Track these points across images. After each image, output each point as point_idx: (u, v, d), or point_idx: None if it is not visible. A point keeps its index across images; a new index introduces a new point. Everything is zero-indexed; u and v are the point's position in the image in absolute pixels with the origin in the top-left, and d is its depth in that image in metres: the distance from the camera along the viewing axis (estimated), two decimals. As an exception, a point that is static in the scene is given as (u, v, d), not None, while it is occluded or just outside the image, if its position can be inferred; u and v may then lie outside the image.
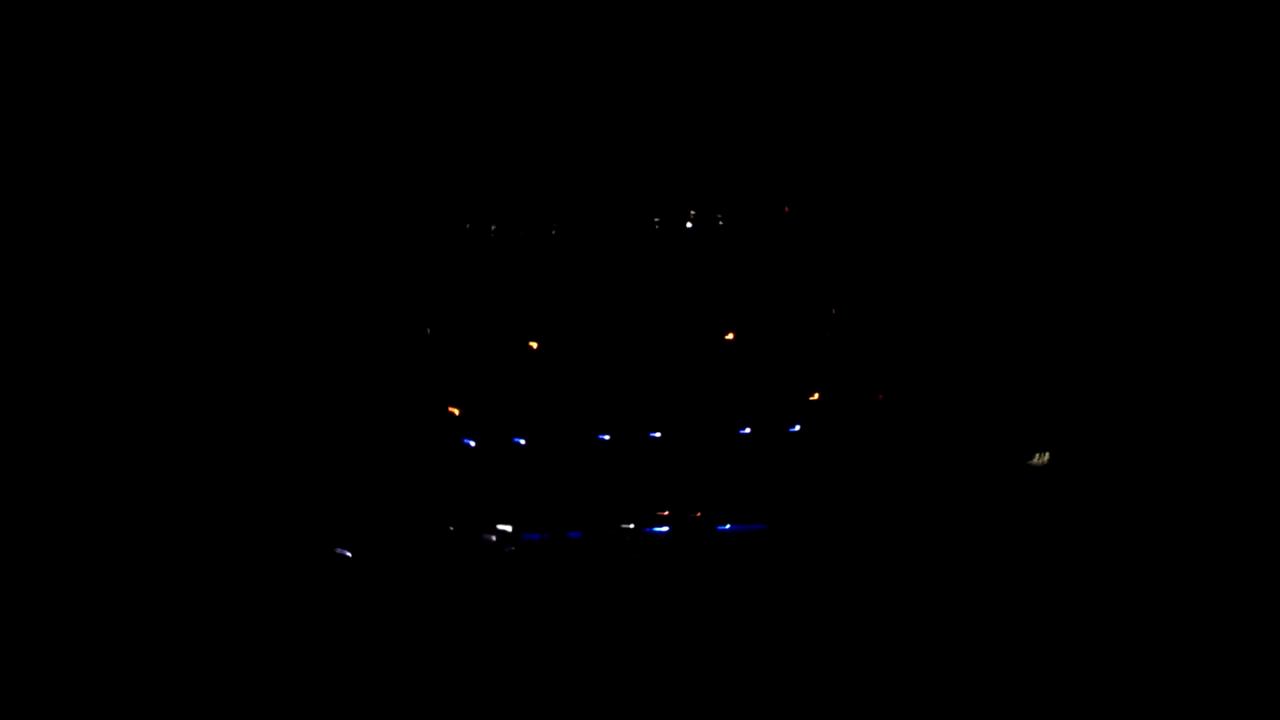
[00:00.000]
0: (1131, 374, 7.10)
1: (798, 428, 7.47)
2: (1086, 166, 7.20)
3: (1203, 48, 7.09)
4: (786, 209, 7.59)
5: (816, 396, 7.48)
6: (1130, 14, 7.18)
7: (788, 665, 7.02)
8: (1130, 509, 6.82)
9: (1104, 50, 7.22)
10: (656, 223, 7.71)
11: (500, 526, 7.65)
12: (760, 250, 7.64)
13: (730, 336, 7.63)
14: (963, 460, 7.29)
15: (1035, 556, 6.90)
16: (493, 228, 7.90)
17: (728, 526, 7.53)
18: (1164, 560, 6.67)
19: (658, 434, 7.60)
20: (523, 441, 7.81)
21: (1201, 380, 6.99)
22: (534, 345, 7.84)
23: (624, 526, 7.58)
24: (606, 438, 7.67)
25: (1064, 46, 7.19)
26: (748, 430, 7.57)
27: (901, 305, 7.41)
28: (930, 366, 7.35)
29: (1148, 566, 6.68)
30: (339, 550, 7.60)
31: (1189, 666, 6.15)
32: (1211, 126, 7.14)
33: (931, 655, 6.80)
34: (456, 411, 7.90)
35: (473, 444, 7.83)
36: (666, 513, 7.63)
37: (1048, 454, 7.22)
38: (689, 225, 7.68)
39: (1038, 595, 6.83)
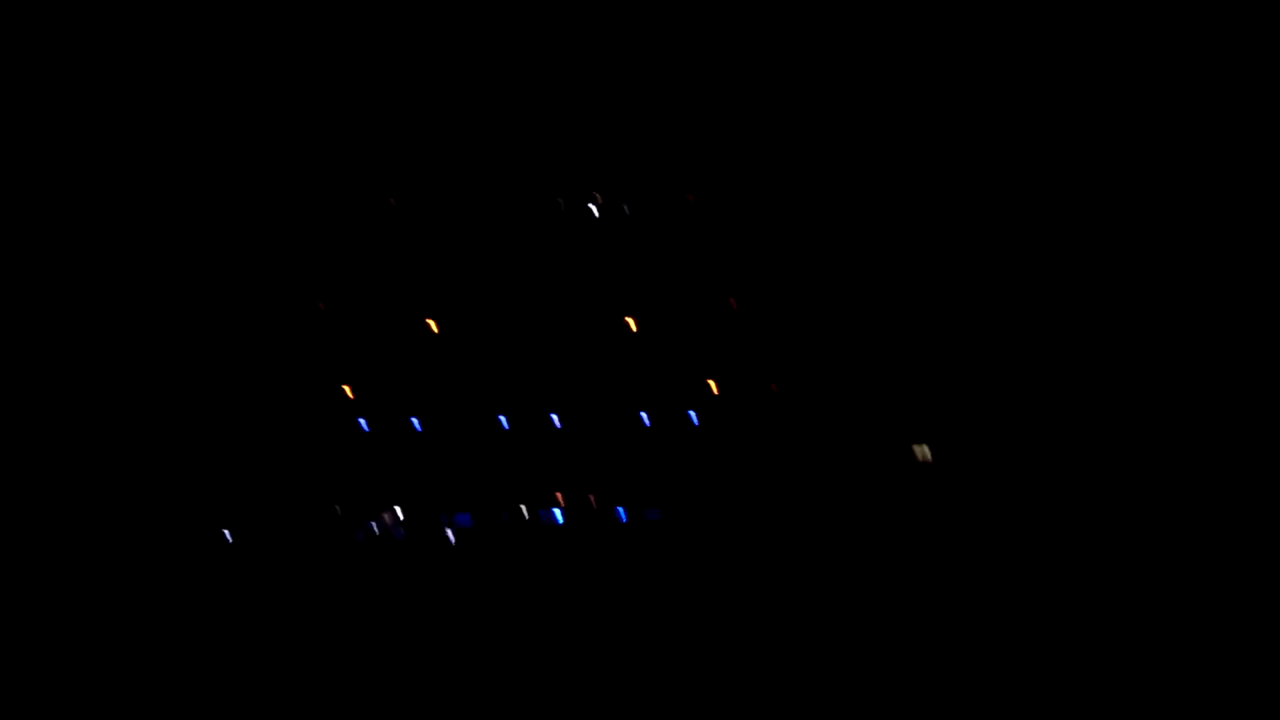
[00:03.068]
0: (1011, 375, 7.45)
1: (695, 417, 7.58)
2: (974, 169, 7.45)
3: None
4: (690, 198, 7.63)
5: (715, 387, 7.60)
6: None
7: (685, 651, 7.14)
8: (1008, 503, 7.20)
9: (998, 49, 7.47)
10: (561, 204, 7.66)
11: (394, 509, 7.53)
12: (663, 239, 7.68)
13: (632, 324, 7.66)
14: (851, 452, 7.53)
15: (920, 547, 7.20)
16: (392, 201, 7.71)
17: (623, 513, 7.60)
18: (1041, 553, 7.05)
19: (556, 418, 7.60)
20: (418, 423, 7.69)
21: (1074, 382, 7.41)
22: (433, 325, 7.71)
23: (520, 510, 7.57)
24: (505, 421, 7.63)
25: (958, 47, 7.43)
26: (645, 418, 7.63)
27: (800, 299, 7.57)
28: (825, 359, 7.54)
29: (1024, 559, 7.05)
30: (223, 531, 7.37)
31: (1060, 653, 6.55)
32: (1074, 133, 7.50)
33: (824, 640, 7.02)
34: (350, 391, 7.71)
35: (366, 425, 7.67)
36: (561, 497, 7.65)
37: (928, 449, 7.53)
38: (595, 210, 7.66)
39: (925, 583, 7.11)
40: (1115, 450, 7.11)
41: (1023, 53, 7.32)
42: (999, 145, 7.44)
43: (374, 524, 7.55)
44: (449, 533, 7.52)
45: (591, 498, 7.65)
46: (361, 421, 7.64)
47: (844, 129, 7.60)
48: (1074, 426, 7.21)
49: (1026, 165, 7.46)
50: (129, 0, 7.10)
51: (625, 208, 7.64)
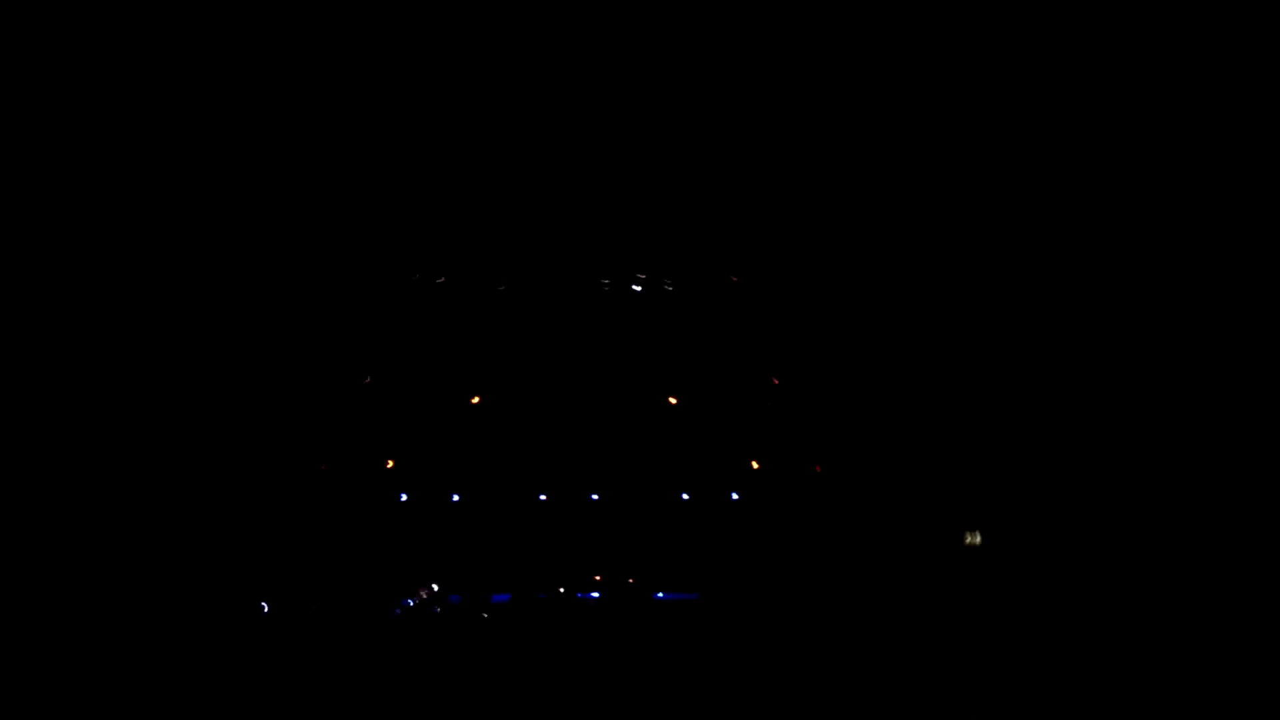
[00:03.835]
0: (1067, 462, 7.22)
1: (735, 496, 7.46)
2: (998, 252, 7.40)
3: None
4: (734, 278, 7.67)
5: (755, 465, 7.49)
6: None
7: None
8: (1057, 591, 6.92)
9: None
10: (605, 285, 7.74)
11: (429, 585, 7.46)
12: (706, 317, 7.69)
13: (673, 401, 7.64)
14: (896, 535, 7.31)
15: (968, 634, 6.92)
16: (440, 280, 7.86)
17: (660, 594, 7.43)
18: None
19: (596, 496, 7.53)
20: (457, 498, 7.68)
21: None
22: (475, 400, 7.77)
23: (557, 589, 7.44)
24: (544, 498, 7.58)
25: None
26: (686, 497, 7.54)
27: (842, 379, 7.48)
28: (868, 440, 7.40)
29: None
30: (261, 603, 7.35)
31: None
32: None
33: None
34: (391, 464, 7.76)
35: (405, 497, 7.68)
36: (599, 577, 7.51)
37: (979, 534, 7.27)
38: (637, 289, 7.72)
39: (968, 676, 6.83)
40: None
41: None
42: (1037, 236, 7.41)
43: (410, 599, 7.48)
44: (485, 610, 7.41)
45: (630, 580, 7.51)
46: (402, 495, 7.65)
47: (893, 209, 7.61)
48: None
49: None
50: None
51: (668, 286, 7.70)
